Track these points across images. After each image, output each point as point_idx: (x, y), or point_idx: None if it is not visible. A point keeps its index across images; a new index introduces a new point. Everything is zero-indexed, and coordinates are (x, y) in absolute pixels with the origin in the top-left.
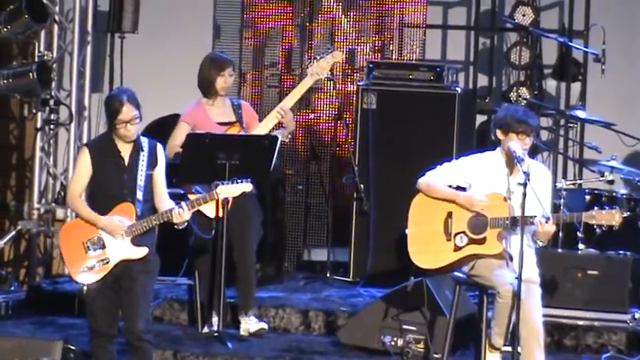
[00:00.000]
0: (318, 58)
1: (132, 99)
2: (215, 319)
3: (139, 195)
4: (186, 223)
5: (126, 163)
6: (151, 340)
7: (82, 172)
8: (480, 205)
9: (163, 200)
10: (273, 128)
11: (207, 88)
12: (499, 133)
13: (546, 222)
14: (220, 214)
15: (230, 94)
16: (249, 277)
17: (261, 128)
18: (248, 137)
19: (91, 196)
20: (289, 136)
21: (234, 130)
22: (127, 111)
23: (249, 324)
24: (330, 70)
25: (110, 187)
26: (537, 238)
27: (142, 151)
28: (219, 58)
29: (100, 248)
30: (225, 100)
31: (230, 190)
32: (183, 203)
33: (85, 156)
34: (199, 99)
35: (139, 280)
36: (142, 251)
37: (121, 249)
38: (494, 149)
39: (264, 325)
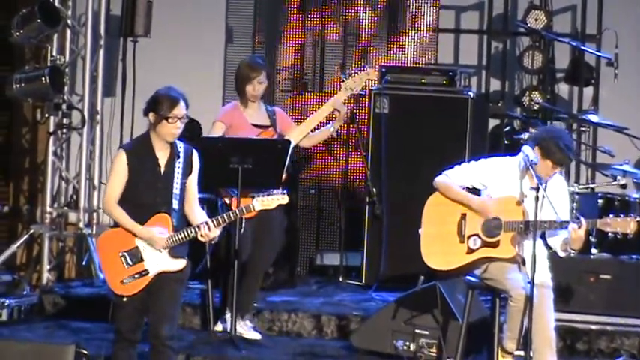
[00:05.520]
0: (353, 73)
1: (185, 98)
2: (228, 316)
3: (175, 205)
4: (216, 239)
5: (162, 170)
6: (174, 346)
7: (118, 177)
8: (494, 214)
9: (193, 208)
10: (323, 121)
11: (239, 93)
12: (537, 150)
13: (579, 228)
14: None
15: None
16: (253, 284)
17: (314, 120)
18: (261, 141)
19: (123, 203)
20: (338, 128)
21: (267, 135)
22: (182, 107)
23: (243, 328)
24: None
25: (143, 194)
26: (571, 247)
27: (178, 158)
28: (250, 65)
29: (137, 260)
30: (260, 105)
31: (266, 202)
32: (209, 221)
33: (122, 160)
34: (236, 101)
35: (170, 287)
36: (180, 263)
37: (160, 261)
38: (511, 155)
39: (258, 336)
